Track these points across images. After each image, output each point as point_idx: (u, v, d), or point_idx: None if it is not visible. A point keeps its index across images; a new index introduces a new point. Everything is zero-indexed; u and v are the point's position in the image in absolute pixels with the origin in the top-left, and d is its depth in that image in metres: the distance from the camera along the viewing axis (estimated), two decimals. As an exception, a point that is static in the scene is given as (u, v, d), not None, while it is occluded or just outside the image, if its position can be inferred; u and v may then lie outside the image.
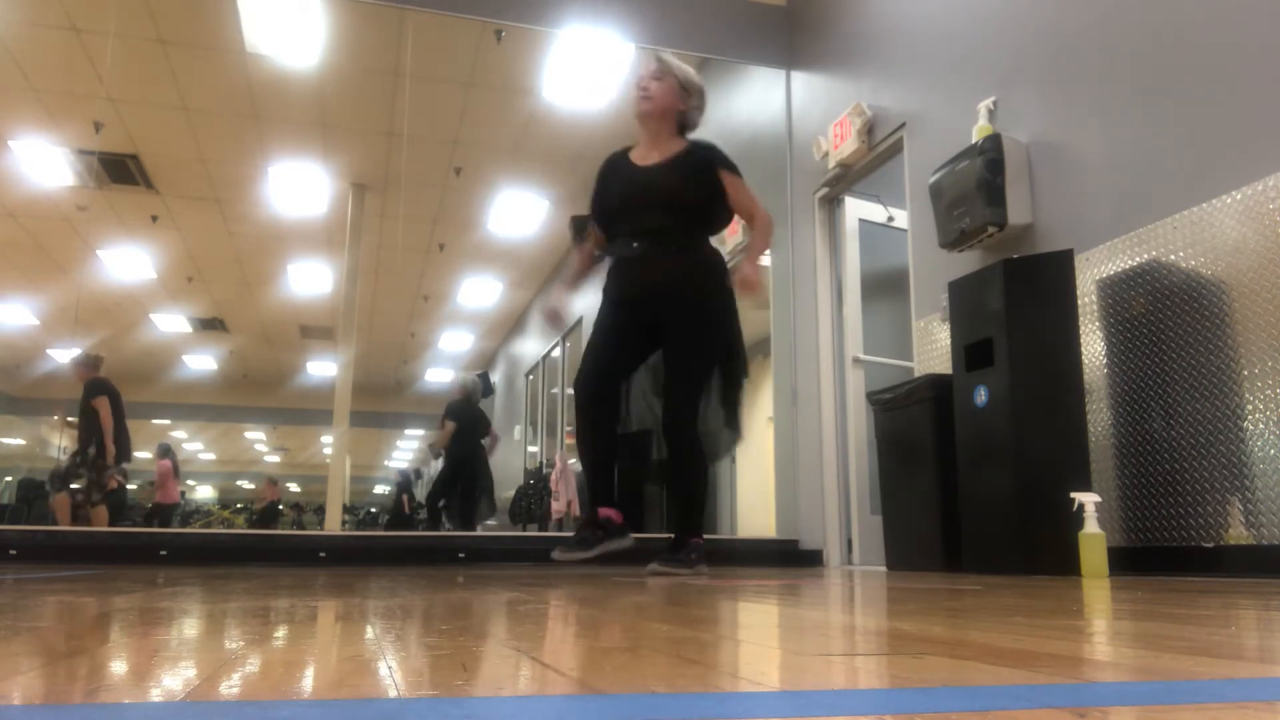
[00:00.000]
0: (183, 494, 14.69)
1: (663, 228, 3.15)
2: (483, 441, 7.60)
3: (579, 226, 3.47)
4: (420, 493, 12.83)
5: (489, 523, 7.72)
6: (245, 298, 11.41)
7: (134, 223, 9.24)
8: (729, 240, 6.61)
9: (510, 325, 12.22)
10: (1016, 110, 3.91)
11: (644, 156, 3.28)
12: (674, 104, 3.24)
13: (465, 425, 7.41)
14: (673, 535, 3.17)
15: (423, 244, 9.52)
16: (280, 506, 13.13)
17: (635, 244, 3.17)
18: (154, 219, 9.06)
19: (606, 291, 3.31)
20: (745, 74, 6.51)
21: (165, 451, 10.91)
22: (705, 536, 3.21)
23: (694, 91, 3.29)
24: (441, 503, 7.39)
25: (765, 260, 6.27)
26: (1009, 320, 3.23)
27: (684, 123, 3.30)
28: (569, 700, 0.58)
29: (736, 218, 3.34)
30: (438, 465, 7.90)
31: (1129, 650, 0.88)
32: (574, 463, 8.05)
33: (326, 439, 8.51)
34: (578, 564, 3.09)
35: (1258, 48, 2.89)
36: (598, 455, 3.16)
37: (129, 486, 10.74)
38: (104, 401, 6.50)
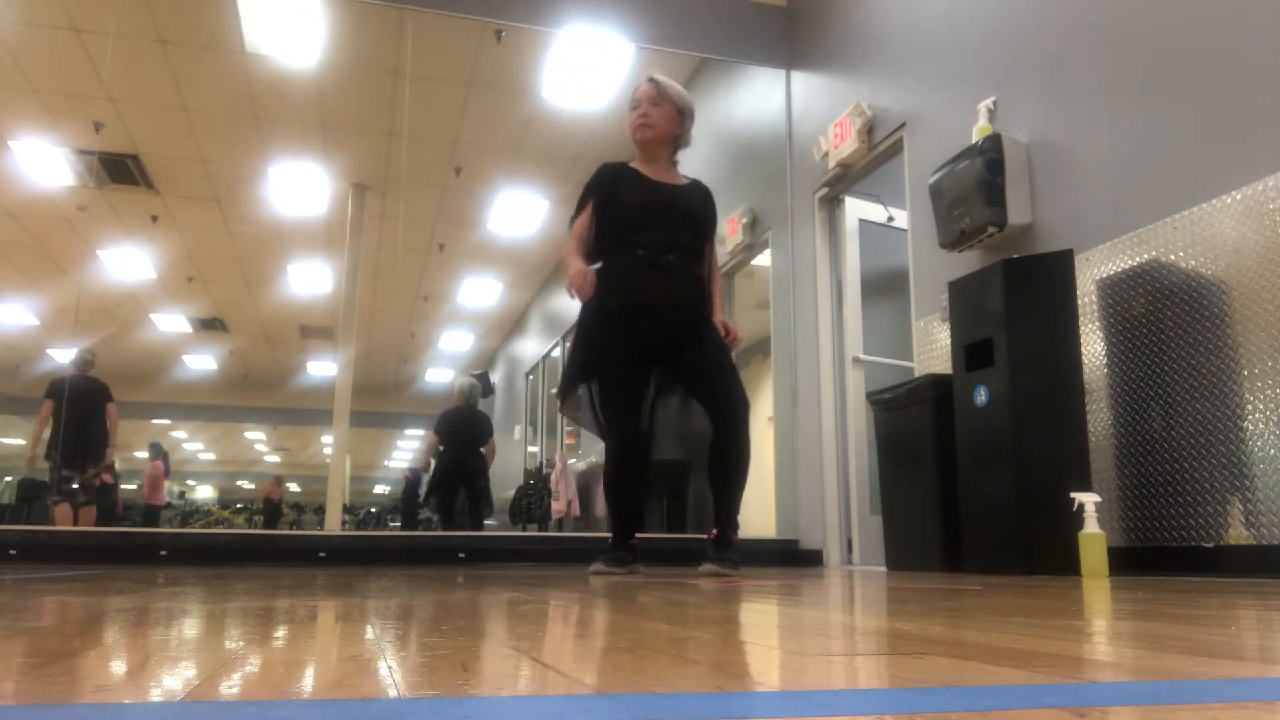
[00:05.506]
0: (182, 494, 14.66)
1: (689, 245, 3.24)
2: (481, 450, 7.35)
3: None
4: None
5: (488, 522, 7.66)
6: (245, 298, 11.41)
7: (134, 223, 9.24)
8: (729, 240, 6.61)
9: (510, 325, 12.21)
10: (1016, 110, 3.91)
11: (655, 174, 3.31)
12: (672, 131, 3.31)
13: (458, 429, 7.13)
14: (716, 533, 3.08)
15: (423, 244, 9.51)
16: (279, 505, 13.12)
17: (671, 256, 3.18)
18: (154, 219, 9.06)
19: (611, 301, 3.15)
20: (745, 74, 6.51)
21: (157, 453, 10.89)
22: (704, 536, 3.20)
23: (688, 114, 3.37)
24: (434, 500, 7.15)
25: (765, 261, 6.28)
26: (1009, 320, 3.23)
27: (678, 145, 3.41)
28: (569, 700, 0.58)
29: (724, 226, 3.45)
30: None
31: (1129, 650, 0.87)
32: (574, 462, 8.04)
33: (326, 439, 8.50)
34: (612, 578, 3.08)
35: (1257, 48, 2.89)
36: (632, 509, 3.27)
37: (125, 486, 10.75)
38: (47, 405, 6.46)
